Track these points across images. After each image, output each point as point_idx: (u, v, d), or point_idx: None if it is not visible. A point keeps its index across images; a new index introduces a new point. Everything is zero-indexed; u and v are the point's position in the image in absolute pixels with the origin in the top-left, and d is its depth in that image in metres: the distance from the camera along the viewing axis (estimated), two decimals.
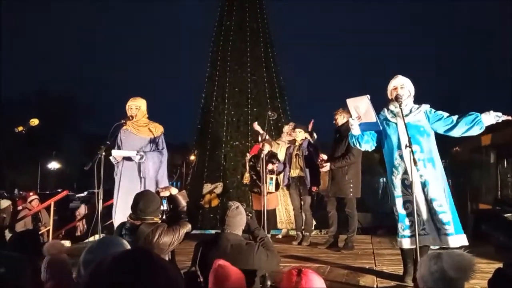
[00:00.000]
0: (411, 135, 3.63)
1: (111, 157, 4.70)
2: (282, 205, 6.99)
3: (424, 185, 3.78)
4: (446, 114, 3.91)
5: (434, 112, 3.95)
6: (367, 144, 4.04)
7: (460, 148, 9.66)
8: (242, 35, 12.59)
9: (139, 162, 4.70)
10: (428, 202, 3.77)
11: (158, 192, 3.25)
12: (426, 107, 3.97)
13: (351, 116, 3.99)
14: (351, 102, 3.91)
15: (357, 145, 4.08)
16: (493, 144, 8.21)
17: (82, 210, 11.60)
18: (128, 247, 2.00)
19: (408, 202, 3.81)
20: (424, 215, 3.78)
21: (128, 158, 4.74)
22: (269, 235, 5.89)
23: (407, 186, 3.79)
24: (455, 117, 3.86)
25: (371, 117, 3.83)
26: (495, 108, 3.86)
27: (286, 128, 7.29)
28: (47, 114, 30.65)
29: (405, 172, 3.78)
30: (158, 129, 4.94)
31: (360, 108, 3.86)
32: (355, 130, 3.94)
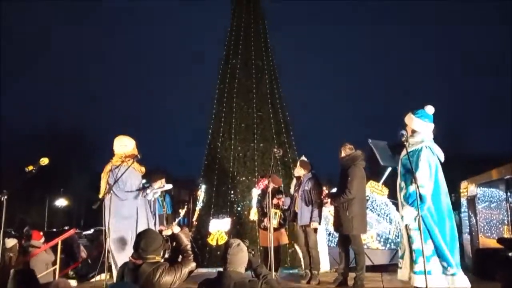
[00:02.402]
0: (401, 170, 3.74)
1: (153, 191, 4.86)
2: None
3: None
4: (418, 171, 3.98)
5: (417, 158, 4.06)
6: None
7: (469, 182, 9.56)
8: (248, 72, 12.88)
9: (150, 198, 4.84)
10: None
11: (160, 231, 3.26)
12: (421, 148, 4.07)
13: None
14: (373, 143, 4.14)
15: None
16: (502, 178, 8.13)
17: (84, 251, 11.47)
18: None
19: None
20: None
21: (133, 195, 4.86)
22: (275, 273, 5.81)
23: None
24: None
25: (386, 161, 4.14)
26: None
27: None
28: (56, 150, 31.01)
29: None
30: (143, 168, 5.26)
31: (379, 150, 4.09)
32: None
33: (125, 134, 5.31)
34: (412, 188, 3.90)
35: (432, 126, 4.33)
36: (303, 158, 6.56)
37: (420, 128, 4.25)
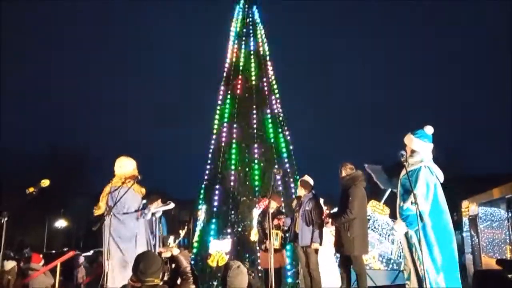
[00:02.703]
0: (400, 190, 3.76)
1: (151, 211, 4.84)
2: None
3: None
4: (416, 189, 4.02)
5: (416, 177, 4.07)
6: None
7: (470, 201, 9.54)
8: (248, 92, 12.98)
9: (149, 219, 4.81)
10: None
11: (160, 253, 3.24)
12: (420, 168, 4.10)
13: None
14: (369, 167, 4.15)
15: None
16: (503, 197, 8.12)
17: (83, 271, 11.36)
18: None
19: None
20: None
21: (132, 216, 4.85)
22: None
23: (410, 242, 3.80)
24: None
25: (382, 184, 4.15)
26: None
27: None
28: (56, 171, 30.97)
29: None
30: (143, 189, 5.24)
31: (375, 174, 4.09)
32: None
33: (126, 155, 5.31)
34: (407, 204, 3.92)
35: (431, 146, 4.37)
36: (305, 177, 6.56)
37: (420, 148, 4.30)
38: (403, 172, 4.19)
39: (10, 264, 7.87)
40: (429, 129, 4.37)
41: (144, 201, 5.28)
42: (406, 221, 3.94)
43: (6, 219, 4.08)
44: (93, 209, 5.17)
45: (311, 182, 6.48)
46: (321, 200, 6.35)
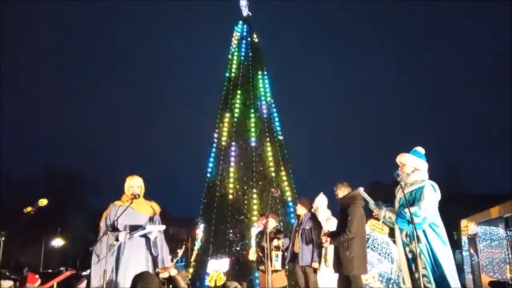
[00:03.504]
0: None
1: (120, 238, 4.68)
2: None
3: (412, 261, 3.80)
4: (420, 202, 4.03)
5: (421, 194, 4.09)
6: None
7: (469, 220, 9.53)
8: (246, 111, 13.08)
9: (151, 239, 4.72)
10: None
11: (157, 273, 3.23)
12: (426, 184, 4.09)
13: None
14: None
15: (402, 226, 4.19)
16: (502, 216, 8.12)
17: (83, 285, 11.20)
18: None
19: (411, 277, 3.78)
20: None
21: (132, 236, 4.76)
22: None
23: (410, 259, 3.79)
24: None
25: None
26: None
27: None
28: (53, 190, 30.88)
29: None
30: (157, 207, 5.03)
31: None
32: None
33: (126, 174, 5.25)
34: (407, 210, 3.90)
35: (427, 165, 4.42)
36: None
37: (421, 166, 4.33)
38: (400, 192, 4.20)
39: (7, 284, 7.77)
40: (421, 149, 4.50)
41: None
42: (399, 216, 3.96)
43: (3, 238, 4.06)
44: (91, 228, 5.11)
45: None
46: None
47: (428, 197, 4.02)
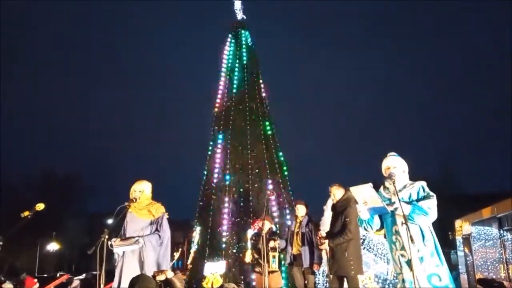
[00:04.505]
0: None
1: (114, 251, 4.70)
2: None
3: (421, 260, 3.78)
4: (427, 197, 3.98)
5: (424, 190, 4.04)
6: (378, 226, 4.12)
7: (463, 221, 9.59)
8: (242, 114, 13.12)
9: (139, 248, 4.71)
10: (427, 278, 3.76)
11: (154, 276, 3.25)
12: (420, 184, 4.07)
13: (355, 202, 4.12)
14: (354, 189, 4.05)
15: (369, 228, 4.15)
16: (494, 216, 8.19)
17: (75, 285, 11.15)
18: None
19: (403, 280, 3.80)
20: None
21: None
22: None
23: (403, 262, 3.80)
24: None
25: (377, 202, 3.93)
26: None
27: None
28: (49, 194, 30.71)
29: (402, 248, 3.81)
30: (158, 210, 4.92)
31: (365, 194, 3.98)
32: (364, 215, 4.02)
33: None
34: (422, 202, 3.82)
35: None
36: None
37: (406, 168, 4.28)
38: (389, 193, 4.11)
39: (8, 286, 7.80)
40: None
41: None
42: (415, 207, 3.82)
43: (1, 243, 4.07)
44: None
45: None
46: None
47: (433, 194, 3.99)
